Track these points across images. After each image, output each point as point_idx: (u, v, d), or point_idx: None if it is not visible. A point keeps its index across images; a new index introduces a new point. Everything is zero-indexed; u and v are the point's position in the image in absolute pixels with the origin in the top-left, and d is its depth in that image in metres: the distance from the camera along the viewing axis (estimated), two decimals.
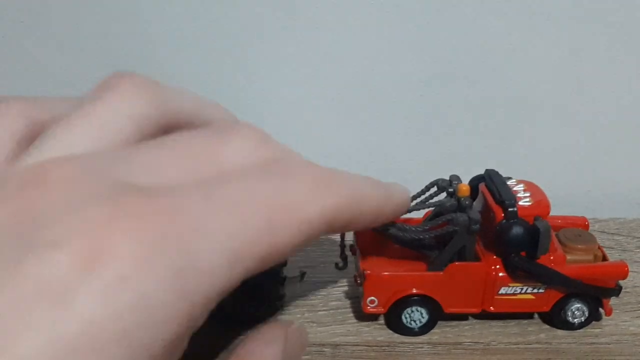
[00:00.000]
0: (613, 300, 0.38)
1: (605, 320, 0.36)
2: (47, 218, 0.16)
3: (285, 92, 0.47)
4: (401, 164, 0.48)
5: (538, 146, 0.49)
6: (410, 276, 0.33)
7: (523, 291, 0.34)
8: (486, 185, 0.35)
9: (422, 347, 0.33)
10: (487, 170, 0.36)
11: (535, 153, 0.50)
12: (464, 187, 0.33)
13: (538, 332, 0.35)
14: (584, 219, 0.39)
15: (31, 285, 0.15)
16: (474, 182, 0.36)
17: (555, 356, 0.33)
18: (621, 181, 0.51)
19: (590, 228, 0.46)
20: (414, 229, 0.32)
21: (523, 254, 0.32)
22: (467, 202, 0.32)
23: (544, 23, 0.45)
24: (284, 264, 0.35)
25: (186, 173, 0.18)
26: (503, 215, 0.32)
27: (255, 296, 0.34)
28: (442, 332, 0.35)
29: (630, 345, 0.34)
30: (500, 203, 0.33)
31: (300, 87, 0.47)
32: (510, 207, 0.32)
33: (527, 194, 0.34)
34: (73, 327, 0.15)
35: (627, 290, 0.39)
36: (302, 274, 0.38)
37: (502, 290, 0.33)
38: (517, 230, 0.32)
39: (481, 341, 0.34)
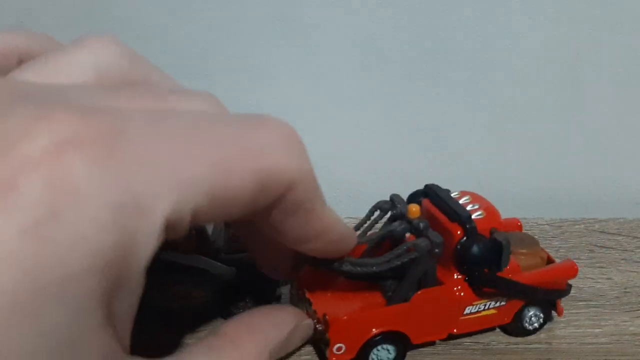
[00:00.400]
0: (614, 301, 0.38)
1: (606, 320, 0.36)
2: None
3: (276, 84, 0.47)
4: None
5: (537, 146, 0.49)
6: (378, 313, 0.30)
7: (486, 307, 0.32)
8: (431, 202, 0.33)
9: (421, 347, 0.33)
10: (427, 185, 0.34)
11: (535, 153, 0.50)
12: (414, 208, 0.31)
13: (538, 332, 0.35)
14: (516, 220, 0.37)
15: None
16: (415, 199, 0.34)
17: (555, 356, 0.33)
18: (621, 181, 0.51)
19: (590, 228, 0.46)
20: (371, 261, 0.29)
21: (486, 270, 0.31)
22: (422, 225, 0.30)
23: (544, 22, 0.45)
24: None
25: (135, 103, 0.17)
26: (460, 232, 0.31)
27: (256, 295, 0.34)
28: None
29: (630, 346, 0.34)
30: (457, 220, 0.31)
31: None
32: (469, 224, 0.31)
33: (477, 206, 0.33)
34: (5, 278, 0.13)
35: (628, 290, 0.39)
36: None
37: (467, 310, 0.32)
38: (479, 247, 0.31)
39: (481, 341, 0.34)
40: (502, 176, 0.48)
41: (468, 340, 0.34)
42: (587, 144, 0.49)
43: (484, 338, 0.34)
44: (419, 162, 0.49)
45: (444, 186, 0.34)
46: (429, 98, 0.47)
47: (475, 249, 0.31)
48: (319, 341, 0.31)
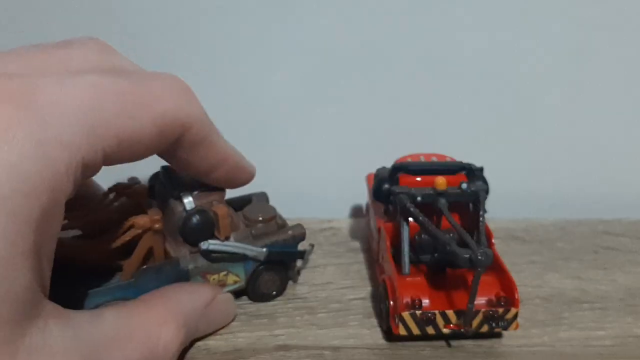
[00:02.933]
0: (618, 303, 0.37)
1: (610, 322, 0.36)
2: None
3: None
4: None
5: (542, 146, 0.49)
6: None
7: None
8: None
9: (423, 350, 0.33)
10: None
11: (539, 153, 0.49)
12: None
13: (541, 335, 0.35)
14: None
15: None
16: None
17: (558, 359, 0.33)
18: (625, 181, 0.50)
19: (595, 229, 0.46)
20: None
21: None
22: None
23: (544, 22, 0.45)
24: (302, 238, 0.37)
25: (35, 68, 0.21)
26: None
27: (279, 272, 0.37)
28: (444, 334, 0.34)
29: (635, 348, 0.34)
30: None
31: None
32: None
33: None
34: None
35: (632, 291, 0.39)
36: (312, 246, 0.39)
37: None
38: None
39: (483, 344, 0.34)
40: (506, 177, 0.47)
41: (471, 343, 0.34)
42: (592, 144, 0.49)
43: (486, 341, 0.34)
44: None
45: None
46: (429, 98, 0.47)
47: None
48: None
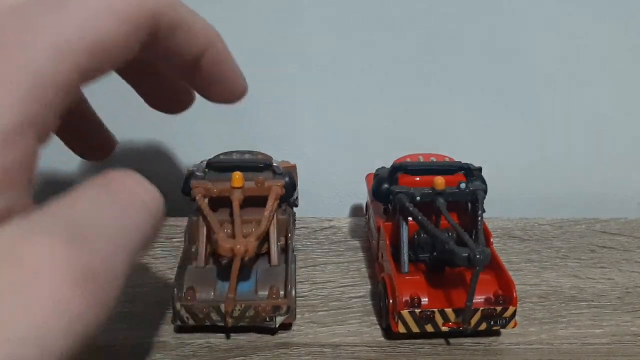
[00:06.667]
0: (615, 301, 0.38)
1: (607, 320, 0.36)
2: None
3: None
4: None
5: (540, 146, 0.49)
6: None
7: None
8: None
9: (422, 348, 0.33)
10: None
11: (536, 153, 0.50)
12: None
13: (539, 333, 0.35)
14: None
15: None
16: None
17: (556, 357, 0.33)
18: (622, 181, 0.51)
19: (592, 228, 0.46)
20: None
21: None
22: None
23: (546, 21, 0.45)
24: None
25: None
26: None
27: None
28: (443, 332, 0.34)
29: (632, 346, 0.34)
30: None
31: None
32: None
33: None
34: None
35: (629, 290, 0.39)
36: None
37: None
38: None
39: (482, 342, 0.34)
40: (504, 177, 0.48)
41: (469, 341, 0.34)
42: (589, 144, 0.49)
43: (484, 339, 0.34)
44: None
45: None
46: (428, 98, 0.47)
47: None
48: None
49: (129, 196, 0.20)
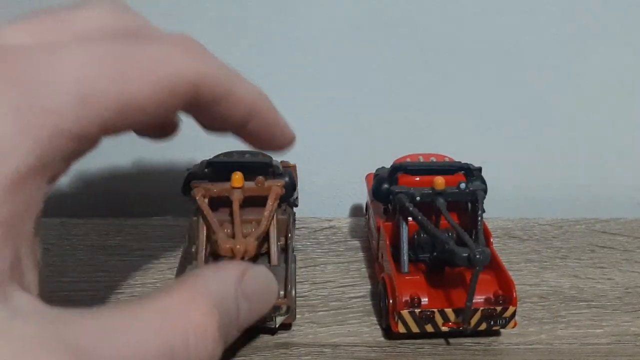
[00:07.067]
0: (615, 301, 0.38)
1: (607, 320, 0.36)
2: None
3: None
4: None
5: (539, 146, 0.49)
6: None
7: None
8: None
9: (422, 348, 0.33)
10: None
11: (536, 153, 0.50)
12: None
13: (539, 333, 0.35)
14: None
15: None
16: None
17: (556, 357, 0.33)
18: (622, 181, 0.51)
19: (592, 228, 0.46)
20: None
21: None
22: None
23: (546, 22, 0.45)
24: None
25: (36, 36, 0.20)
26: None
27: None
28: (443, 332, 0.34)
29: (631, 346, 0.34)
30: None
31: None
32: None
33: None
34: None
35: (629, 290, 0.39)
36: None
37: None
38: None
39: (482, 342, 0.34)
40: (503, 176, 0.48)
41: (469, 341, 0.34)
42: (588, 144, 0.49)
43: (484, 339, 0.34)
44: None
45: None
46: (428, 99, 0.47)
47: None
48: None
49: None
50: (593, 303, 0.38)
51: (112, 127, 0.19)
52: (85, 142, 0.18)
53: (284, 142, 0.27)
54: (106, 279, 0.38)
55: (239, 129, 0.25)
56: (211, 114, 0.23)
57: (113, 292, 0.37)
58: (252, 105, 0.24)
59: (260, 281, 0.26)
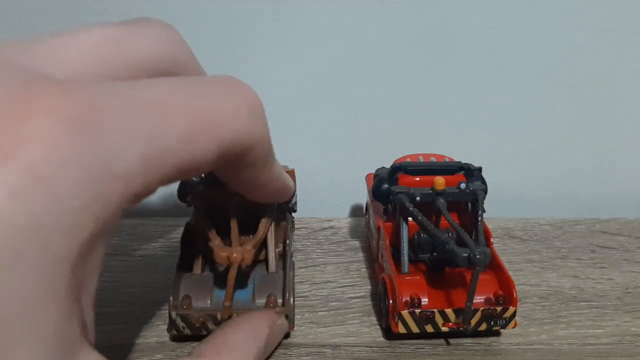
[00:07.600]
0: (616, 301, 0.38)
1: (607, 321, 0.36)
2: None
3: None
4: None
5: (540, 146, 0.49)
6: None
7: None
8: None
9: (422, 348, 0.33)
10: None
11: (535, 153, 0.50)
12: None
13: (539, 333, 0.35)
14: None
15: None
16: None
17: (556, 357, 0.33)
18: (622, 181, 0.51)
19: (592, 228, 0.46)
20: None
21: None
22: None
23: (547, 22, 0.45)
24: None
25: (96, 65, 0.18)
26: None
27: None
28: (443, 332, 0.34)
29: (632, 346, 0.34)
30: None
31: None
32: None
33: None
34: None
35: (629, 291, 0.39)
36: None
37: None
38: None
39: (482, 342, 0.34)
40: (504, 177, 0.48)
41: (469, 341, 0.34)
42: (589, 144, 0.49)
43: (484, 339, 0.34)
44: None
45: None
46: (428, 99, 0.47)
47: None
48: None
49: None
50: (593, 303, 0.38)
51: (167, 182, 0.18)
52: (144, 198, 0.18)
53: (284, 198, 0.28)
54: (106, 279, 0.38)
55: (250, 193, 0.25)
56: (236, 175, 0.22)
57: (113, 293, 0.37)
58: (272, 177, 0.24)
59: (279, 334, 0.31)
